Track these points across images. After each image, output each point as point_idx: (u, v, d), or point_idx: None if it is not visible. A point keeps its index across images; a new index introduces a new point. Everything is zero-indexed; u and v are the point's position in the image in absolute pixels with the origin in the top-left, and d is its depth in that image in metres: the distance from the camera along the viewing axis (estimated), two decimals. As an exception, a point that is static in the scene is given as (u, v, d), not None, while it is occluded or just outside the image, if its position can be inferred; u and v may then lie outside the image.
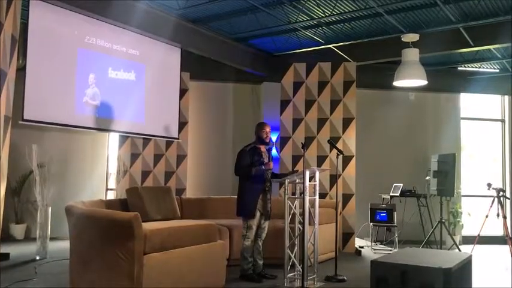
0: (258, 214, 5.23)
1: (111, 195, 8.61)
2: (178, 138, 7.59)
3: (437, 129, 9.10)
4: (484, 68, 8.79)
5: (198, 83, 8.59)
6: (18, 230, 7.97)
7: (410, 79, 6.96)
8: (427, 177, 8.10)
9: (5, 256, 6.00)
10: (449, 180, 7.33)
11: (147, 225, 3.97)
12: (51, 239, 6.47)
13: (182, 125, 7.85)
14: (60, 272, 5.20)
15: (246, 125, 8.75)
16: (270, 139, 5.52)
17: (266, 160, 5.32)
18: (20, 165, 6.58)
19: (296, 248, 5.15)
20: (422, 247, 7.20)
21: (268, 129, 5.41)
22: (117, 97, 6.49)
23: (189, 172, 8.37)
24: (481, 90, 9.21)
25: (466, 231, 8.69)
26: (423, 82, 6.99)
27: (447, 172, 7.36)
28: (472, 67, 8.81)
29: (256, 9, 6.22)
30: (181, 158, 8.23)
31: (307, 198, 4.89)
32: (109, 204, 5.56)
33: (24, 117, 5.31)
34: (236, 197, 5.37)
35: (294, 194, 5.30)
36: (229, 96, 8.98)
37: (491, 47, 7.17)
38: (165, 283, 3.86)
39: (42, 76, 5.52)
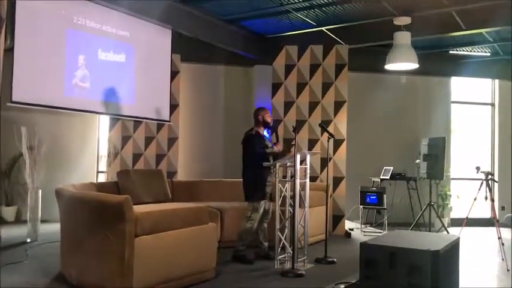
0: (266, 196, 5.32)
1: (102, 178, 8.59)
2: (169, 121, 7.56)
3: (428, 113, 9.14)
4: (475, 51, 8.80)
5: (189, 65, 8.53)
6: (8, 212, 7.95)
7: (402, 62, 6.95)
8: (417, 161, 8.15)
9: (-4, 238, 5.99)
10: (438, 164, 7.38)
11: (138, 208, 3.97)
12: (42, 221, 6.46)
13: (173, 107, 7.80)
14: (50, 254, 5.21)
15: (237, 108, 8.77)
16: (272, 122, 5.62)
17: (269, 144, 5.41)
18: (9, 147, 6.53)
19: (286, 230, 5.20)
20: (411, 230, 7.28)
21: (269, 112, 5.57)
22: (107, 79, 6.42)
23: (180, 155, 8.36)
24: (472, 74, 9.25)
25: (455, 213, 8.80)
26: (414, 65, 6.98)
27: (437, 155, 7.41)
28: (464, 51, 8.81)
29: (247, -9, 6.15)
30: (172, 140, 8.21)
31: (297, 181, 4.91)
32: (100, 187, 5.56)
33: (13, 99, 5.24)
34: (242, 180, 5.38)
35: (284, 177, 5.33)
36: (220, 78, 8.93)
37: (482, 30, 7.16)
38: (156, 265, 3.88)
39: (30, 57, 5.44)
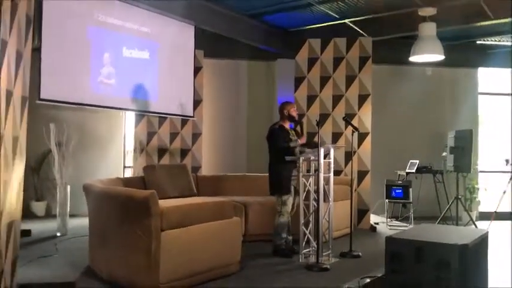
0: (292, 190, 5.30)
1: (128, 173, 8.73)
2: (193, 117, 7.62)
3: (455, 105, 8.97)
4: (503, 41, 8.58)
5: (212, 61, 8.56)
6: (38, 207, 8.16)
7: (428, 54, 6.85)
8: (444, 153, 8.02)
9: (27, 232, 6.15)
10: (466, 156, 7.25)
11: (164, 203, 4.02)
12: (71, 216, 6.61)
13: (197, 103, 7.86)
14: (79, 248, 5.33)
15: (260, 103, 8.78)
16: (298, 116, 5.63)
17: (294, 138, 5.39)
18: (38, 144, 6.68)
19: (311, 224, 5.19)
20: (438, 223, 7.19)
21: (295, 107, 5.56)
22: (132, 76, 6.51)
23: (204, 150, 8.43)
24: (499, 64, 9.01)
25: (483, 207, 8.64)
26: (440, 57, 6.87)
27: (464, 148, 7.28)
28: (491, 41, 8.60)
29: (270, -15, 6.13)
30: (196, 136, 8.27)
31: (321, 175, 4.89)
32: (126, 182, 5.64)
33: (41, 97, 5.37)
34: (268, 175, 5.39)
35: (308, 171, 5.32)
36: (243, 73, 8.94)
37: (511, 19, 6.97)
38: (182, 259, 3.93)
39: (57, 56, 5.55)
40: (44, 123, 6.54)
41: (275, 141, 5.30)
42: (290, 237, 5.44)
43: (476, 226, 7.37)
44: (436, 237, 3.70)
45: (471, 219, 7.56)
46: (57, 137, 6.49)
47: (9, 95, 3.25)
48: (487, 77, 9.33)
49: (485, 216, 8.20)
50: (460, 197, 7.36)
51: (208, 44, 8.03)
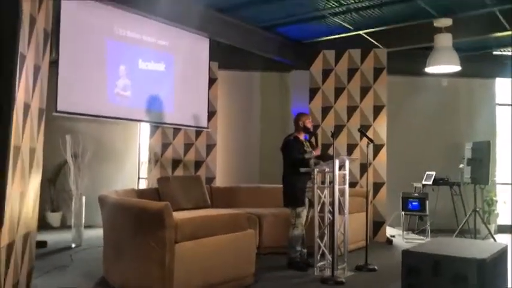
0: (306, 202, 5.27)
1: (143, 184, 8.77)
2: (207, 128, 7.65)
3: (472, 116, 8.86)
4: (521, 52, 8.48)
5: (226, 72, 8.61)
6: (54, 218, 8.23)
7: (443, 65, 6.79)
8: (461, 165, 7.92)
9: (43, 243, 6.19)
10: (483, 168, 7.15)
11: (178, 214, 4.02)
12: (86, 227, 6.66)
13: (211, 114, 7.90)
14: (94, 259, 5.34)
15: (273, 114, 8.79)
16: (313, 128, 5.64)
17: (308, 149, 5.38)
18: (54, 155, 6.76)
19: (326, 237, 5.14)
20: (455, 237, 7.07)
21: (310, 118, 5.56)
22: (147, 88, 6.57)
23: (218, 161, 8.44)
24: (517, 75, 8.91)
25: (502, 220, 8.47)
26: (457, 68, 6.80)
27: (481, 159, 7.18)
28: (508, 51, 8.51)
29: (284, -3, 6.15)
30: (210, 147, 8.29)
31: (336, 187, 4.86)
32: (141, 193, 5.67)
33: (58, 109, 5.44)
34: (281, 186, 5.37)
35: (323, 183, 5.28)
36: (257, 85, 8.97)
37: (528, 29, 6.90)
38: (196, 271, 3.92)
39: (74, 68, 5.63)
40: (60, 135, 6.62)
41: (290, 153, 5.28)
42: (305, 250, 5.40)
43: (494, 240, 7.23)
44: (453, 251, 3.64)
45: (489, 232, 7.42)
46: (73, 148, 6.57)
47: (26, 107, 3.29)
48: (505, 87, 9.21)
49: (504, 229, 8.05)
50: (478, 209, 7.24)
51: (223, 55, 8.08)
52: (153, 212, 3.85)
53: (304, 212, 5.27)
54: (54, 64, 5.37)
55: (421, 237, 7.35)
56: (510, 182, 8.72)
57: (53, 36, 4.95)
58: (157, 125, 7.83)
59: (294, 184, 5.25)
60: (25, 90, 3.24)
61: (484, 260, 3.29)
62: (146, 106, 6.56)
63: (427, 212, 7.36)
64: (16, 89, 2.91)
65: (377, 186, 7.36)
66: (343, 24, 7.00)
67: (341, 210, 5.11)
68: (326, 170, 5.11)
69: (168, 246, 3.71)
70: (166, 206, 3.79)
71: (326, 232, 5.14)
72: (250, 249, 4.59)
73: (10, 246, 3.09)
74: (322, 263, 5.10)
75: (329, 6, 6.34)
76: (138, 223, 4.02)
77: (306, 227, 5.36)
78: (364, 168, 7.27)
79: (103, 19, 5.97)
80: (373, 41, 7.46)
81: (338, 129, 7.46)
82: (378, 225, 7.29)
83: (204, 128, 7.58)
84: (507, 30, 6.68)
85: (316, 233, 5.07)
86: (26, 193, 3.39)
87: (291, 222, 5.26)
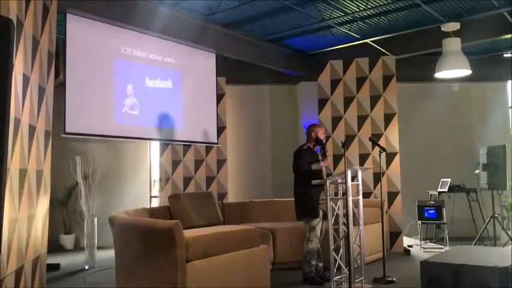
0: (321, 214, 5.16)
1: (155, 203, 8.73)
2: (217, 143, 7.61)
3: (485, 120, 8.72)
4: (532, 53, 8.36)
5: (234, 87, 8.59)
6: (67, 240, 8.21)
7: (453, 69, 6.70)
8: (476, 171, 7.75)
9: (56, 266, 6.16)
10: (500, 173, 6.99)
11: (189, 232, 3.95)
12: (99, 248, 6.61)
13: (221, 129, 7.86)
14: (107, 281, 5.28)
15: (283, 126, 8.73)
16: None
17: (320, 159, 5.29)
18: (65, 177, 6.76)
19: (341, 250, 5.03)
20: (474, 244, 6.89)
21: (323, 129, 5.48)
22: (155, 106, 6.56)
23: (229, 176, 8.38)
24: (530, 76, 8.77)
25: (522, 225, 8.27)
26: (467, 72, 6.70)
27: (497, 164, 7.02)
28: (519, 53, 8.39)
29: (288, 9, 6.14)
30: (221, 162, 8.24)
31: (350, 199, 4.75)
32: (152, 212, 5.62)
33: (67, 131, 5.43)
34: (294, 199, 5.26)
35: (336, 194, 5.18)
36: (266, 98, 8.94)
37: (538, 30, 6.80)
38: (209, 290, 3.83)
39: (81, 89, 5.64)
40: (70, 156, 6.62)
41: (298, 164, 5.20)
42: (321, 264, 5.28)
43: (516, 246, 7.04)
44: (474, 259, 3.52)
45: (510, 238, 7.22)
46: (84, 169, 6.55)
47: (32, 129, 3.27)
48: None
49: (525, 234, 7.83)
50: (496, 215, 7.06)
51: (230, 70, 8.08)
52: (163, 231, 3.79)
53: (319, 224, 5.16)
54: (63, 86, 5.40)
55: (440, 246, 7.18)
56: (528, 186, 8.52)
57: (61, 58, 4.98)
58: (167, 143, 7.81)
59: (304, 195, 5.15)
60: (30, 112, 3.23)
61: (506, 268, 3.17)
62: (155, 124, 6.54)
63: (445, 220, 7.20)
64: (9, 106, 2.79)
65: (392, 196, 7.24)
66: (350, 33, 6.97)
67: (356, 222, 4.99)
68: (338, 181, 5.01)
69: (180, 266, 3.65)
70: (177, 224, 3.73)
71: (342, 245, 5.03)
72: (264, 265, 4.50)
73: (18, 272, 3.04)
74: (338, 277, 4.97)
75: (334, 15, 6.32)
76: (148, 243, 3.96)
77: (321, 240, 5.26)
78: (377, 177, 7.15)
79: (108, 38, 5.99)
80: (381, 49, 7.41)
81: (349, 140, 7.37)
82: (394, 235, 7.15)
83: (213, 143, 7.54)
84: (516, 32, 6.59)
85: (332, 245, 4.96)
86: (34, 217, 3.35)
87: (305, 236, 5.16)
